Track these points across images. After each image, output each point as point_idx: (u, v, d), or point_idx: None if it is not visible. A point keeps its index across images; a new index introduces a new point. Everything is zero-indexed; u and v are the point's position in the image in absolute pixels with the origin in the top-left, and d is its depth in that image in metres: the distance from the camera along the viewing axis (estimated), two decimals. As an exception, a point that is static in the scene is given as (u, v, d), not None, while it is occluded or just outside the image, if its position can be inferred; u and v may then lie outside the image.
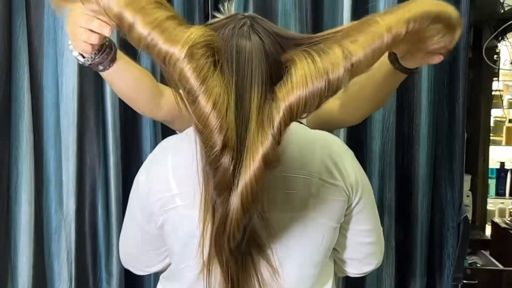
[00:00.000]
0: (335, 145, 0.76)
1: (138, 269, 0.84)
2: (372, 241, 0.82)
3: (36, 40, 1.43)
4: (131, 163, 1.46)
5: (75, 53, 0.71)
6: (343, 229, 0.79)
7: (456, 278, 1.39)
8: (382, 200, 1.42)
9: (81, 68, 1.42)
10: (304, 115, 0.57)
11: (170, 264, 0.80)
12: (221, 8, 1.05)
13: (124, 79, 0.83)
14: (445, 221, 1.45)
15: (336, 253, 0.84)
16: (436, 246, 1.47)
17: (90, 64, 0.74)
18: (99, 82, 1.43)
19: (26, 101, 1.42)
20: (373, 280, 1.46)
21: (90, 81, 1.43)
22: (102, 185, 1.45)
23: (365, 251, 0.83)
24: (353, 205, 0.76)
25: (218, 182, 0.57)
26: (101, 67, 0.75)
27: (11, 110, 1.43)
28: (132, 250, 0.82)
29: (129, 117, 1.45)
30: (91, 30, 0.62)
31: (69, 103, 1.42)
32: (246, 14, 0.73)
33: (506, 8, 1.86)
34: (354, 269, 0.86)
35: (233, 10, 0.84)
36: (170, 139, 0.76)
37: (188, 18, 1.40)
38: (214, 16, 1.17)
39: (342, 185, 0.73)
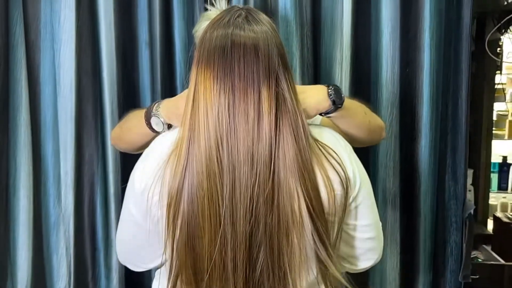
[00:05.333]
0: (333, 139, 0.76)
1: (136, 266, 0.83)
2: (371, 236, 0.80)
3: (33, 34, 1.41)
4: (129, 157, 1.45)
5: (159, 123, 0.80)
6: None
7: (465, 276, 1.39)
8: (385, 195, 1.41)
9: (79, 62, 1.40)
10: None
11: (166, 260, 0.79)
12: (214, 2, 1.06)
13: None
14: (448, 216, 1.43)
15: (334, 249, 0.82)
16: (440, 241, 1.45)
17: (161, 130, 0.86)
18: (97, 76, 1.42)
19: (24, 95, 1.41)
20: (378, 274, 1.44)
21: (88, 75, 1.42)
22: (100, 179, 1.44)
23: (364, 246, 0.81)
24: (351, 199, 0.75)
25: None
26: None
27: (9, 104, 1.41)
28: (129, 247, 0.81)
29: (127, 111, 1.44)
30: None
31: (66, 97, 1.40)
32: (242, 6, 0.75)
33: (510, 0, 1.83)
34: (352, 265, 0.84)
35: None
36: (166, 134, 0.75)
37: (189, 7, 1.39)
38: (206, 9, 1.17)
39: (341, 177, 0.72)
